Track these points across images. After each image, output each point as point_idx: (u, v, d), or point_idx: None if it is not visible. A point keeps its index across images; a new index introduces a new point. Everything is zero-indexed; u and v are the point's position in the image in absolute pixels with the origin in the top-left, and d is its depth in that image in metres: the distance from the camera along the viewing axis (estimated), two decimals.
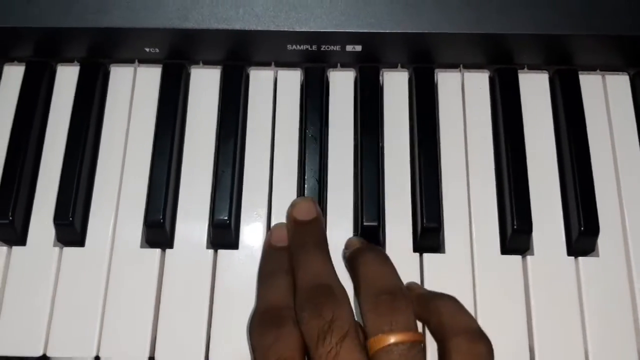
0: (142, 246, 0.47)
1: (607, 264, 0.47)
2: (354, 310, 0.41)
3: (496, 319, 0.45)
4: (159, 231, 0.47)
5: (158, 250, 0.47)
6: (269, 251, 0.45)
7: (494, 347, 0.44)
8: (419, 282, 0.46)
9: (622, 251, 0.47)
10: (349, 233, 0.48)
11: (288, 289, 0.42)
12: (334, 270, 0.43)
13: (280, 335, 0.39)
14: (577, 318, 0.46)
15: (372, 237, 0.47)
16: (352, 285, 0.44)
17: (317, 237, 0.44)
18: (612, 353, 0.45)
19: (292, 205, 0.46)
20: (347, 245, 0.46)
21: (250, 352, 0.44)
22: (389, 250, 0.47)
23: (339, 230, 0.48)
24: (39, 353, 0.45)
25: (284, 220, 0.47)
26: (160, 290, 0.46)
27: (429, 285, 0.46)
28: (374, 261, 0.43)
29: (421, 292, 0.44)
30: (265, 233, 0.48)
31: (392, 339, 0.38)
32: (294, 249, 0.44)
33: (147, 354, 0.45)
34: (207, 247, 0.47)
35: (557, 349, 0.45)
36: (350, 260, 0.44)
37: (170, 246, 0.47)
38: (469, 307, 0.45)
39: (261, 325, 0.41)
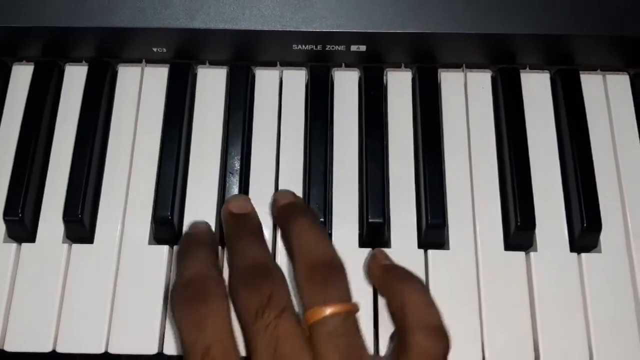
0: (150, 243, 0.48)
1: (610, 260, 0.48)
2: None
3: (500, 315, 0.46)
4: (167, 228, 0.47)
5: (166, 247, 0.47)
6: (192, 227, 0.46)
7: (497, 342, 0.45)
8: (424, 278, 0.47)
9: (624, 247, 0.48)
10: (355, 231, 0.48)
11: (213, 261, 0.42)
12: (270, 254, 0.43)
13: (208, 314, 0.37)
14: (580, 314, 0.46)
15: (377, 234, 0.48)
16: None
17: (252, 227, 0.44)
18: (615, 349, 0.45)
19: (227, 201, 0.46)
20: (276, 199, 0.46)
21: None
22: (394, 247, 0.48)
23: (345, 228, 0.48)
24: (49, 349, 0.45)
25: None
26: (169, 287, 0.47)
27: (434, 281, 0.47)
28: (307, 230, 0.42)
29: (387, 266, 0.44)
30: (272, 230, 0.48)
31: (328, 311, 0.38)
32: (230, 240, 0.44)
33: (156, 349, 0.45)
34: None
35: (561, 345, 0.45)
36: (281, 219, 0.45)
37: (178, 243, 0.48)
38: (473, 303, 0.46)
39: (186, 300, 0.38)
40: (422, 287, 0.42)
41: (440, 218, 0.47)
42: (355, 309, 0.39)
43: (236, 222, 0.45)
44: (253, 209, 0.46)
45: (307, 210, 0.45)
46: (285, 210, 0.45)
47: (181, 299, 0.39)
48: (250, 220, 0.45)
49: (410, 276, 0.43)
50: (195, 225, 0.46)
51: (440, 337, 0.39)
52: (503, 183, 0.50)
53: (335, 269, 0.40)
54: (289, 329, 0.37)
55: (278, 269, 0.41)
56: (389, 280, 0.43)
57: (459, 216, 0.48)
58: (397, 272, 0.43)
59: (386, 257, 0.45)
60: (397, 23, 0.50)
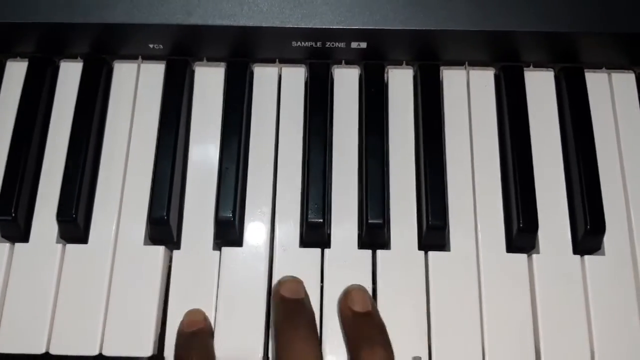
0: (145, 243, 0.47)
1: (613, 262, 0.47)
2: None
3: (502, 318, 0.45)
4: (163, 228, 0.46)
5: (162, 248, 0.47)
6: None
7: (499, 344, 0.44)
8: (424, 280, 0.46)
9: (628, 249, 0.47)
10: (354, 231, 0.47)
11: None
12: (321, 352, 0.41)
13: None
14: (583, 316, 0.45)
15: (376, 235, 0.47)
16: None
17: (306, 317, 0.42)
18: (618, 351, 0.45)
19: (280, 283, 0.44)
20: (351, 298, 0.44)
21: None
22: (394, 248, 0.47)
23: (344, 228, 0.47)
24: (42, 350, 0.44)
25: (288, 216, 0.47)
26: (165, 288, 0.46)
27: (434, 284, 0.46)
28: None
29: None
30: (269, 231, 0.47)
31: None
32: (280, 328, 0.41)
33: (150, 352, 0.44)
34: (212, 245, 0.47)
35: (563, 348, 0.45)
36: (354, 332, 0.43)
37: (175, 244, 0.47)
38: (474, 306, 0.45)
39: None
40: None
41: (442, 219, 0.46)
42: None
43: (289, 309, 0.42)
44: (306, 293, 0.43)
45: (386, 336, 0.42)
46: (363, 324, 0.42)
47: None
48: (304, 308, 0.42)
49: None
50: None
51: None
52: (505, 183, 0.49)
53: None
54: None
55: None
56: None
57: (460, 217, 0.48)
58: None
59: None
60: (398, 20, 0.49)
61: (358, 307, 0.43)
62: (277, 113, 0.51)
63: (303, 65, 0.52)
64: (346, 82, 0.52)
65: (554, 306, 0.46)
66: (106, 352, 0.44)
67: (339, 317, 0.44)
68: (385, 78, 0.52)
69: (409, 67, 0.53)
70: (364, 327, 0.42)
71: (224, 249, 0.47)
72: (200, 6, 0.48)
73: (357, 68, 0.53)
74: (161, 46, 0.51)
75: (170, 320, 0.45)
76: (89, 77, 0.51)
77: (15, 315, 0.45)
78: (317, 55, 0.51)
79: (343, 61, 0.53)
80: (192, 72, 0.52)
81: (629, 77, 0.52)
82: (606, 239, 0.47)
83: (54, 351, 0.44)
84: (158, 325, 0.45)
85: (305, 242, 0.47)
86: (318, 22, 0.49)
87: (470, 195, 0.48)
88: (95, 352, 0.44)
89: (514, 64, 0.52)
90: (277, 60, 0.52)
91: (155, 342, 0.45)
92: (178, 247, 0.47)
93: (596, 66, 0.53)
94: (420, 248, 0.47)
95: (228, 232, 0.47)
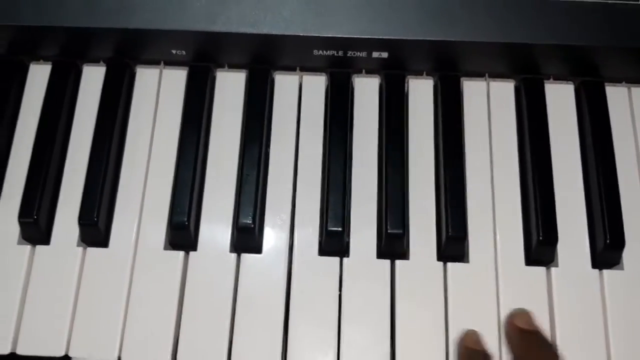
0: (165, 248, 0.47)
1: (632, 277, 0.47)
2: None
3: None
4: (183, 233, 0.47)
5: (181, 253, 0.47)
6: (465, 352, 0.44)
7: None
8: (442, 291, 0.46)
9: None
10: (373, 240, 0.48)
11: None
12: None
13: None
14: (601, 330, 0.45)
15: (396, 245, 0.47)
16: None
17: (544, 348, 0.43)
18: None
19: (512, 315, 0.45)
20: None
21: None
22: (413, 259, 0.47)
23: (362, 237, 0.48)
24: (61, 353, 0.45)
25: (307, 224, 0.48)
26: (183, 293, 0.46)
27: (452, 295, 0.46)
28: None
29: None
30: (288, 238, 0.48)
31: None
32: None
33: (169, 357, 0.45)
34: (231, 251, 0.47)
35: None
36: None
37: (194, 249, 0.47)
38: (493, 318, 0.45)
39: None
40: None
41: (462, 230, 0.46)
42: None
43: (526, 340, 0.43)
44: (539, 325, 0.44)
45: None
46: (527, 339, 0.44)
47: None
48: (541, 339, 0.43)
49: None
50: (469, 336, 0.45)
51: None
52: (525, 196, 0.49)
53: None
54: None
55: None
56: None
57: (479, 229, 0.48)
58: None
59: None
60: (420, 30, 0.49)
61: (522, 324, 0.44)
62: (297, 121, 0.51)
63: (324, 74, 0.53)
64: (367, 91, 0.52)
65: (572, 319, 0.46)
66: (125, 356, 0.45)
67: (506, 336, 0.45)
68: (406, 88, 0.52)
69: (430, 77, 0.53)
70: (531, 345, 0.43)
71: (243, 255, 0.47)
72: (223, 14, 0.49)
73: (378, 77, 0.53)
74: (184, 52, 0.51)
75: (184, 322, 0.45)
76: (112, 82, 0.51)
77: (35, 318, 0.45)
78: (338, 64, 0.52)
79: (364, 70, 0.53)
80: (214, 78, 0.52)
81: None
82: (625, 253, 0.47)
83: (73, 354, 0.45)
84: (177, 331, 0.45)
85: (324, 251, 0.47)
86: (340, 32, 0.49)
87: (490, 206, 0.48)
88: (115, 356, 0.45)
89: (534, 76, 0.52)
90: (298, 68, 0.53)
91: (173, 347, 0.45)
92: (194, 248, 0.47)
93: (616, 80, 0.53)
94: (439, 259, 0.47)
95: (248, 239, 0.47)
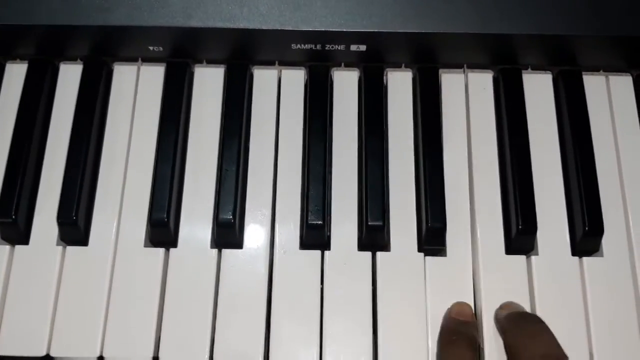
0: (145, 245, 0.47)
1: (612, 263, 0.47)
2: None
3: None
4: (163, 230, 0.46)
5: (162, 250, 0.47)
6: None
7: (497, 347, 0.44)
8: (423, 282, 0.46)
9: (626, 251, 0.47)
10: (354, 232, 0.48)
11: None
12: None
13: None
14: (582, 318, 0.46)
15: (376, 237, 0.47)
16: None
17: (468, 335, 0.44)
18: (616, 353, 0.45)
19: (452, 307, 0.46)
20: (503, 306, 0.46)
21: None
22: (394, 250, 0.47)
23: (343, 230, 0.48)
24: (42, 353, 0.44)
25: (288, 218, 0.48)
26: (164, 290, 0.46)
27: (431, 285, 0.46)
28: (538, 332, 0.43)
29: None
30: (269, 232, 0.47)
31: None
32: (443, 339, 0.44)
33: (151, 354, 0.44)
34: (211, 247, 0.47)
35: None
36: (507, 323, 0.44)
37: (174, 245, 0.47)
38: (472, 307, 0.46)
39: None
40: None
41: (441, 221, 0.47)
42: None
43: (455, 325, 0.45)
44: (474, 319, 0.45)
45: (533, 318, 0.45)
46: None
47: None
48: (469, 328, 0.44)
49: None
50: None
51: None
52: (504, 186, 0.49)
53: None
54: None
55: None
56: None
57: (459, 219, 0.48)
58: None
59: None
60: (397, 22, 0.49)
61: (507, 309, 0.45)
62: (276, 115, 0.51)
63: (303, 68, 0.53)
64: (346, 84, 0.52)
65: (553, 307, 0.46)
66: (107, 355, 0.44)
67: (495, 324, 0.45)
68: (385, 80, 0.52)
69: (408, 69, 0.53)
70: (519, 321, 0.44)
71: (224, 250, 0.47)
72: (200, 9, 0.49)
73: (357, 70, 0.53)
74: (161, 48, 0.51)
75: (166, 319, 0.45)
76: (89, 79, 0.51)
77: (16, 318, 0.45)
78: (317, 58, 0.52)
79: (342, 64, 0.53)
80: (192, 74, 0.52)
81: (627, 80, 0.53)
82: (604, 240, 0.47)
83: (54, 353, 0.44)
84: (158, 328, 0.45)
85: (305, 244, 0.47)
86: (317, 25, 0.49)
87: (470, 197, 0.49)
88: (96, 355, 0.44)
89: (512, 66, 0.52)
90: (276, 62, 0.53)
91: (155, 344, 0.45)
92: (175, 245, 0.47)
93: (594, 69, 0.53)
94: (419, 250, 0.47)
95: (228, 234, 0.47)
